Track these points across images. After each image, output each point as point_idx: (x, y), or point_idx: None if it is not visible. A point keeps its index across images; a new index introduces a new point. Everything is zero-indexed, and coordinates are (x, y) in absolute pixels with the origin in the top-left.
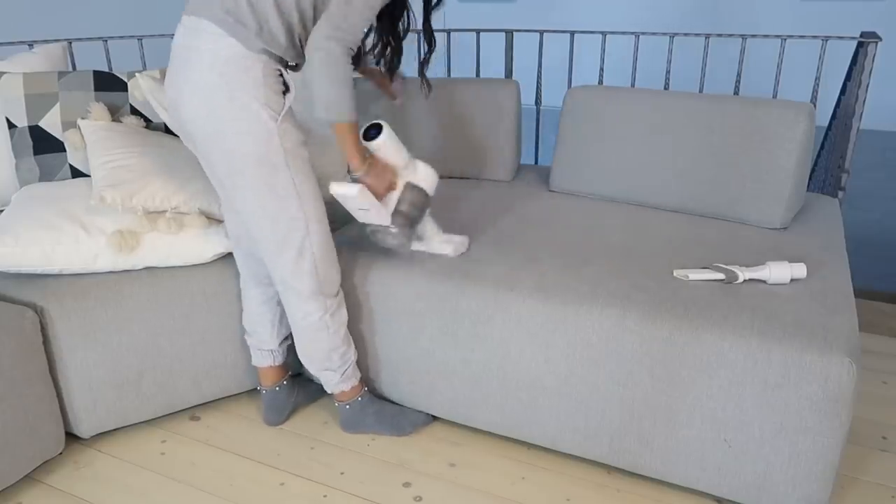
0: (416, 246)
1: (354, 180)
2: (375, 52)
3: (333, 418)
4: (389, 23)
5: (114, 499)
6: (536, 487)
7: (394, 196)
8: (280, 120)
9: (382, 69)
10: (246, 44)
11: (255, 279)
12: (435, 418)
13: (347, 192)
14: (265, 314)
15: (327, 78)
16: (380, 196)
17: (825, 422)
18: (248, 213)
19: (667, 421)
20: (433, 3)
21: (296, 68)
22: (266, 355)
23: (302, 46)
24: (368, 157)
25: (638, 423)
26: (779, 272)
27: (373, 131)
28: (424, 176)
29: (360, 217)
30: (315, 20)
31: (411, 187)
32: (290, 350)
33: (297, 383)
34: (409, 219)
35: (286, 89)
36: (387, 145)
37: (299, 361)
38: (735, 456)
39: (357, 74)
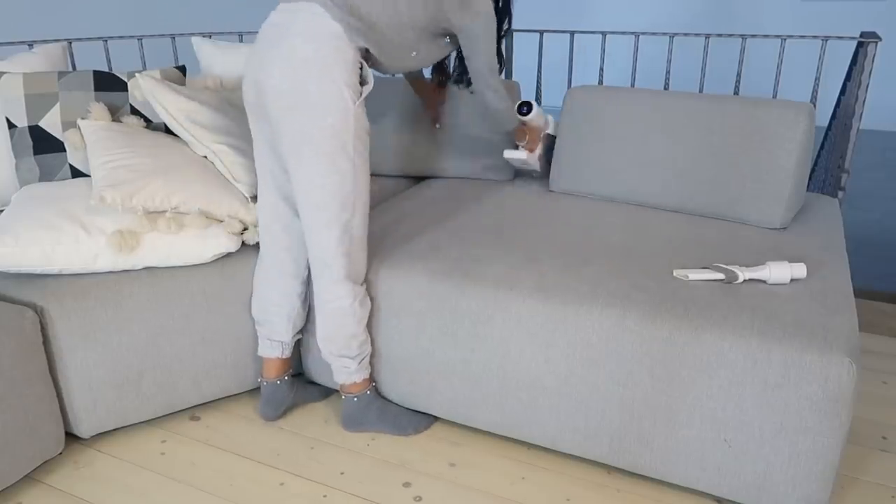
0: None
1: (517, 147)
2: (457, 74)
3: (334, 417)
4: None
5: (114, 499)
6: (536, 487)
7: (539, 145)
8: (358, 103)
9: (461, 87)
10: (346, 30)
11: (282, 270)
12: (435, 418)
13: (518, 156)
14: (284, 306)
15: (508, 115)
16: (531, 149)
17: (825, 422)
18: (306, 187)
19: (667, 421)
20: (502, 31)
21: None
22: (276, 346)
23: (393, 57)
24: (525, 129)
25: (638, 423)
26: (779, 272)
27: (524, 108)
28: (553, 126)
29: (519, 166)
30: (416, 44)
31: (546, 136)
32: (295, 349)
33: (297, 382)
34: (546, 159)
35: (364, 81)
36: (535, 118)
37: (300, 362)
38: (735, 456)
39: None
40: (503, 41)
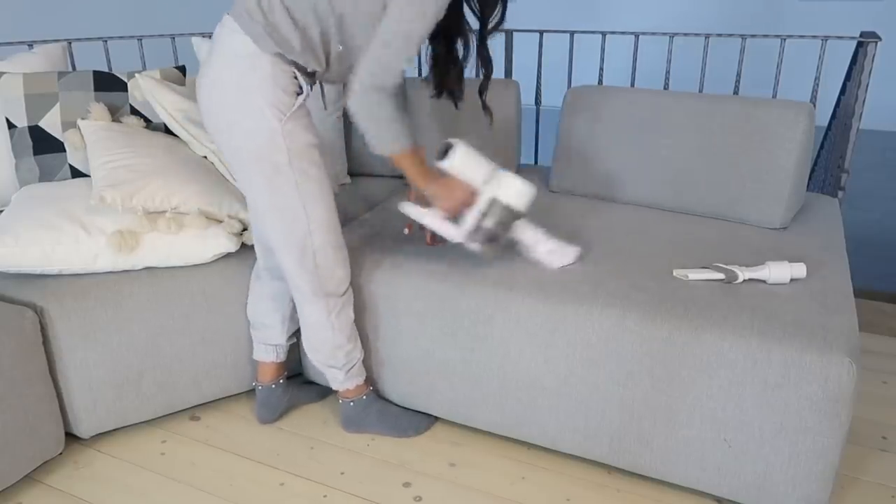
0: (523, 253)
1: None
2: (430, 78)
3: (334, 418)
4: (444, 47)
5: (114, 499)
6: (536, 487)
7: (473, 212)
8: (286, 120)
9: (436, 96)
10: (258, 42)
11: (272, 273)
12: (436, 419)
13: (412, 212)
14: (277, 309)
15: (367, 120)
16: (451, 214)
17: (825, 422)
18: (255, 208)
19: (667, 421)
20: (489, 26)
21: (314, 75)
22: (270, 350)
23: (326, 57)
24: (436, 177)
25: (638, 423)
26: (779, 272)
27: (446, 151)
28: (511, 191)
29: (436, 231)
30: (339, 36)
31: (493, 203)
32: (293, 349)
33: (293, 384)
34: (489, 234)
35: (300, 91)
36: (458, 165)
37: (299, 362)
38: (735, 456)
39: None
40: (487, 38)
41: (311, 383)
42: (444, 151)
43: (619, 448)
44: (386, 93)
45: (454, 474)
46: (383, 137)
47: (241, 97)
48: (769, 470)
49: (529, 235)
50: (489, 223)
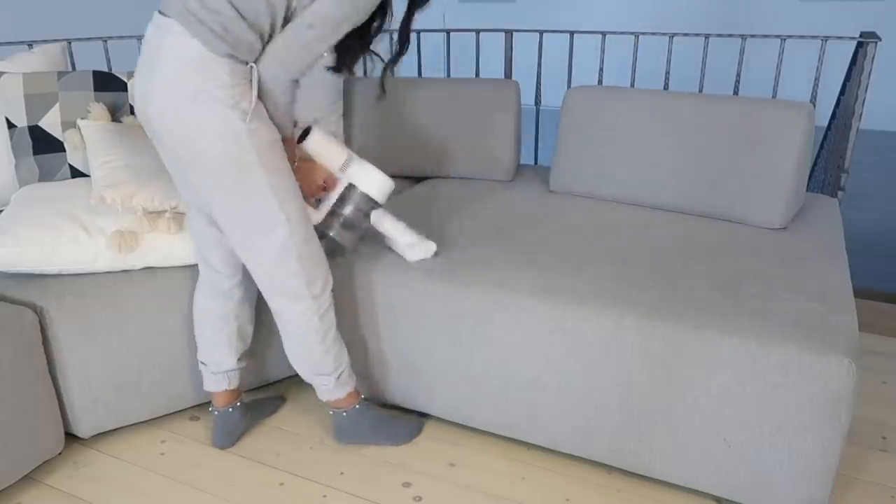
0: (387, 243)
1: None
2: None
3: None
4: (359, 29)
5: (114, 499)
6: (536, 487)
7: (331, 197)
8: (249, 119)
9: (335, 70)
10: (209, 46)
11: (214, 290)
12: (427, 418)
13: None
14: (223, 329)
15: (276, 97)
16: (311, 195)
17: (825, 422)
18: (222, 216)
19: (667, 421)
20: (419, 3)
21: None
22: (221, 379)
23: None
24: (297, 159)
25: (638, 423)
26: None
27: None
28: (369, 181)
29: None
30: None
31: (351, 189)
32: (245, 370)
33: (249, 404)
34: (346, 221)
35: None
36: (313, 148)
37: (257, 378)
38: (734, 456)
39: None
40: (414, 13)
41: (269, 400)
42: (304, 135)
43: (619, 448)
44: (291, 83)
45: (454, 474)
46: (286, 119)
47: (199, 103)
48: (769, 470)
49: (389, 227)
50: (346, 210)
